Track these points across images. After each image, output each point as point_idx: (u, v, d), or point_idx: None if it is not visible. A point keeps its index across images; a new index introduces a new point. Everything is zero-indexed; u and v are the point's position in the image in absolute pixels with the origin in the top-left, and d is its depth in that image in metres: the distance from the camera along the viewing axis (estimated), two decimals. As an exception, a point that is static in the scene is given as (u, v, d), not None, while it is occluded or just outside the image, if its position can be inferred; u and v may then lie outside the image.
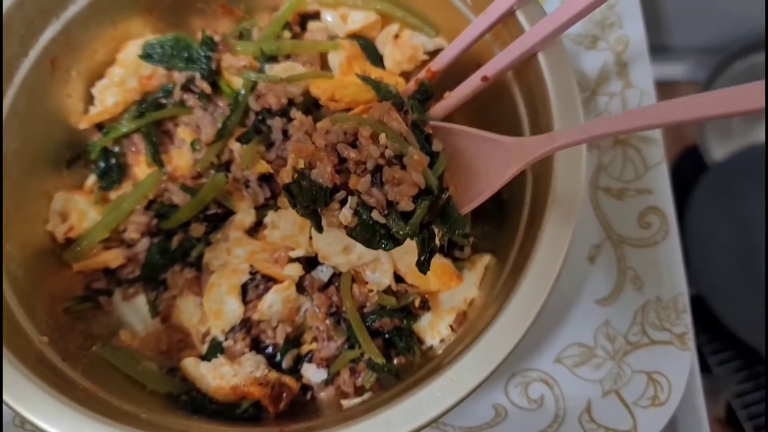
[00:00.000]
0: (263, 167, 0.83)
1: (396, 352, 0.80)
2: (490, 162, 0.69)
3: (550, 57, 0.72)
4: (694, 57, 1.83)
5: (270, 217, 0.81)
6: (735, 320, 1.54)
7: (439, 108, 0.83)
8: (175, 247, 0.86)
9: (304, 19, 0.96)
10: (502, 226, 0.82)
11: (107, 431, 0.59)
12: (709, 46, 1.79)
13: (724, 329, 1.54)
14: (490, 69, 0.76)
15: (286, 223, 0.78)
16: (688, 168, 1.71)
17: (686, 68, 1.83)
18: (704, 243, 1.60)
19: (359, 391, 0.79)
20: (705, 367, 1.55)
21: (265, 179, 0.86)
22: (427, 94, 0.85)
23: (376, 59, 0.95)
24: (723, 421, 1.58)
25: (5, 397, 0.59)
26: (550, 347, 0.91)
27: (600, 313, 0.92)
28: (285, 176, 0.81)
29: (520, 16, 0.74)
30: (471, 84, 0.79)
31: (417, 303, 0.80)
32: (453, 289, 0.81)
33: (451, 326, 0.79)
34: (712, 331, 1.58)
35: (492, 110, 0.83)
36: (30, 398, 0.60)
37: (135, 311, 0.88)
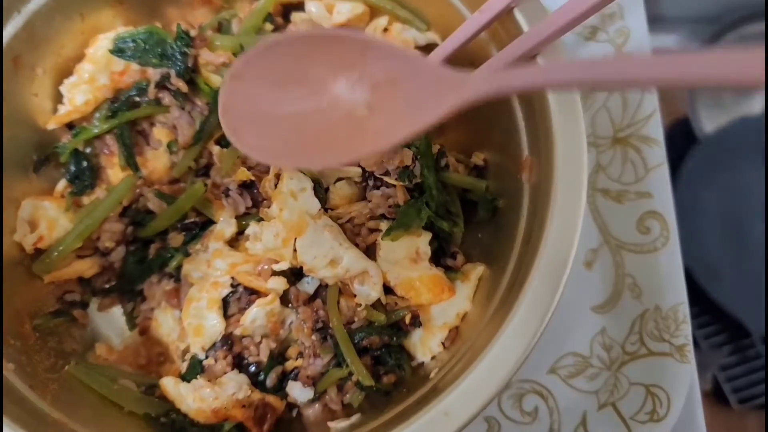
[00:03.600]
0: (244, 174, 0.78)
1: (385, 370, 0.76)
2: (424, 93, 0.54)
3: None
4: (687, 27, 1.79)
5: (252, 228, 0.76)
6: (722, 294, 1.54)
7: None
8: (153, 256, 0.82)
9: (288, 9, 0.91)
10: (496, 235, 0.78)
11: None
12: (703, 16, 1.76)
13: (711, 303, 1.53)
14: (485, 72, 0.71)
15: (269, 236, 0.73)
16: (679, 141, 1.68)
17: (679, 38, 1.80)
18: (693, 216, 1.58)
19: (347, 408, 0.76)
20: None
21: (246, 186, 0.81)
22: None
23: (364, 54, 0.89)
24: (709, 393, 1.60)
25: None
26: (544, 357, 0.87)
27: (596, 321, 0.89)
28: (268, 186, 0.76)
29: (519, 15, 0.70)
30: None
31: (407, 319, 0.76)
32: (445, 301, 0.77)
33: (443, 343, 0.76)
34: (698, 305, 1.57)
35: (485, 114, 0.78)
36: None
37: (111, 323, 0.84)
